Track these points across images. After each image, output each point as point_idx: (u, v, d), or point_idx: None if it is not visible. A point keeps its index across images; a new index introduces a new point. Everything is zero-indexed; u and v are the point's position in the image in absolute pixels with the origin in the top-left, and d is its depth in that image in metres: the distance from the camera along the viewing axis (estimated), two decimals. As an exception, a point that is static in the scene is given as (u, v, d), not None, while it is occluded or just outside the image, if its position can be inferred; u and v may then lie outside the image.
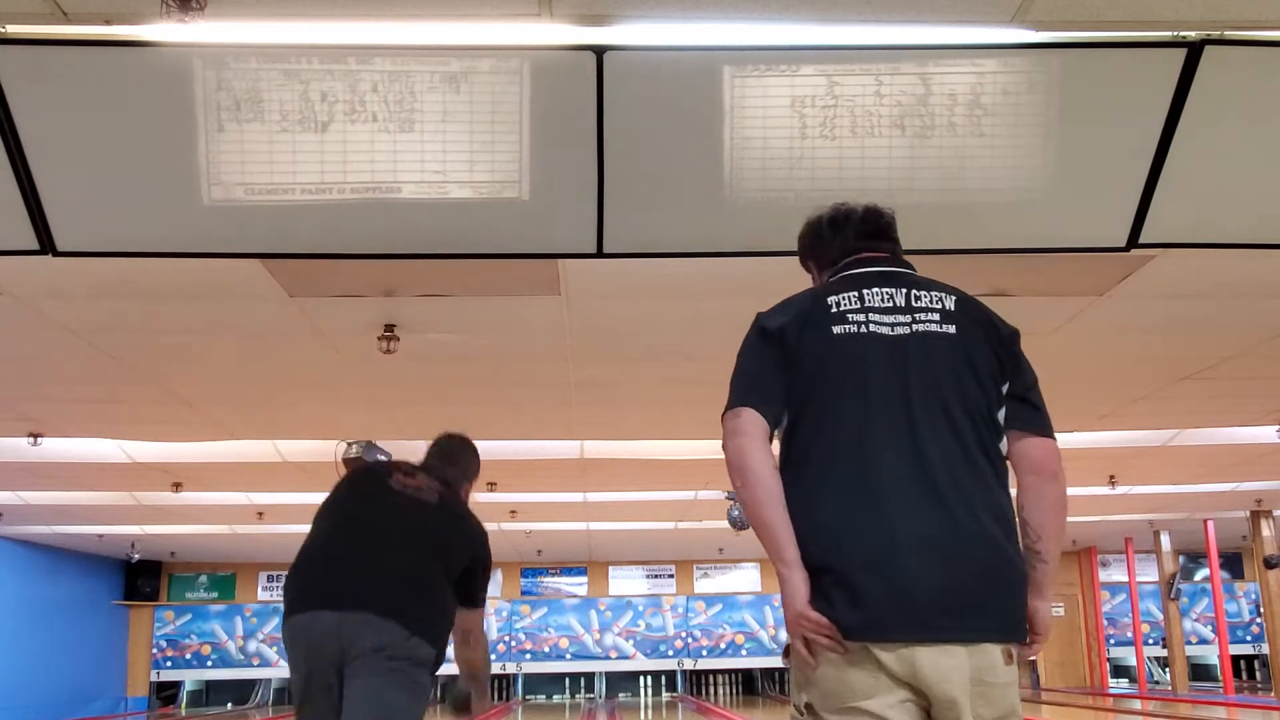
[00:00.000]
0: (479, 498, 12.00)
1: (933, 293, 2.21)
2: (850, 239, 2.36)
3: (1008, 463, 2.18)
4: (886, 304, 2.18)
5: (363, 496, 3.81)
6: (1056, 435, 2.22)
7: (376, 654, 3.32)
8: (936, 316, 2.17)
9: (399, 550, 3.55)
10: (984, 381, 2.14)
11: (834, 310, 2.17)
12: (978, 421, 2.12)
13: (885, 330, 2.14)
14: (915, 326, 2.15)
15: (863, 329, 2.14)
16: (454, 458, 4.21)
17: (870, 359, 2.11)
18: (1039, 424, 2.18)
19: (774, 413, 2.11)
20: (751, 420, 2.08)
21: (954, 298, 2.22)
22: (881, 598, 1.94)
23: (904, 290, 2.20)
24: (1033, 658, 1.96)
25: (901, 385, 2.09)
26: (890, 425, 2.06)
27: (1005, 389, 2.17)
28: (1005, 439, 2.17)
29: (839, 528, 2.00)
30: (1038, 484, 2.16)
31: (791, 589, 1.99)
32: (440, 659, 3.51)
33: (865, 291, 2.19)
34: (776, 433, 2.14)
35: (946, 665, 1.94)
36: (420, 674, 3.42)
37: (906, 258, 2.42)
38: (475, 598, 3.80)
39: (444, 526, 3.79)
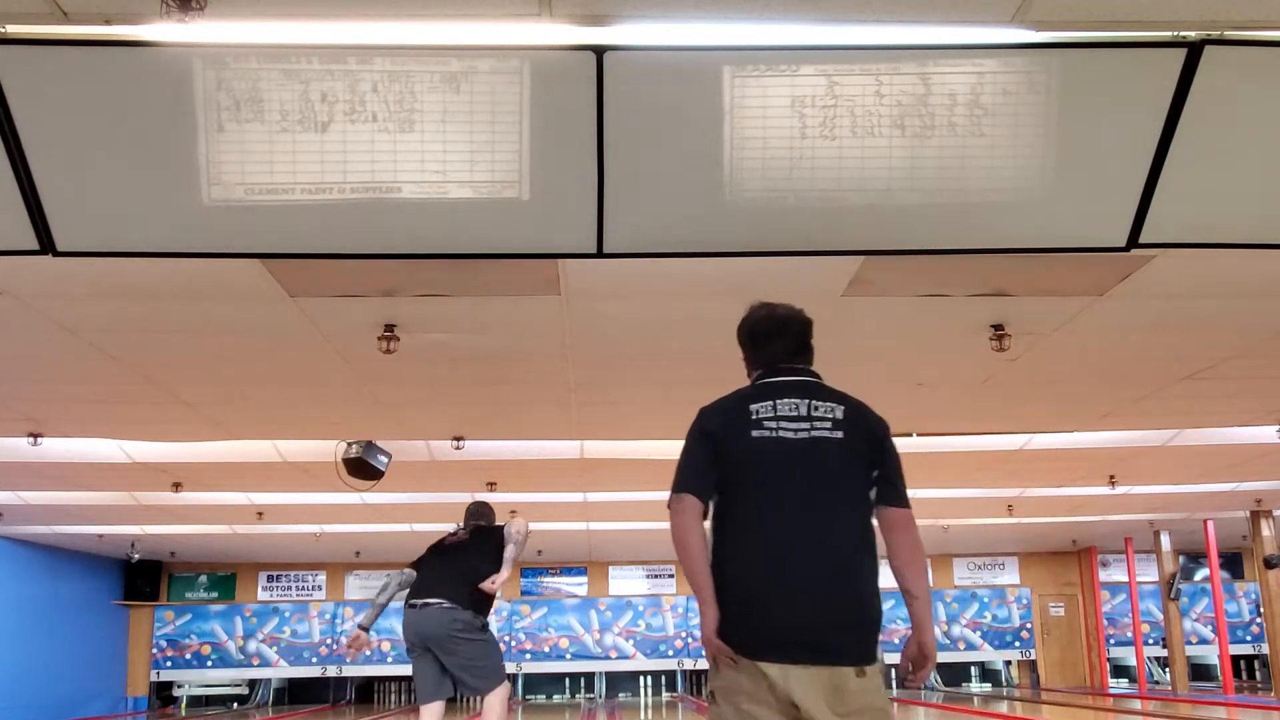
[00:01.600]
0: (479, 498, 12.05)
1: (828, 404, 2.90)
2: (778, 354, 3.06)
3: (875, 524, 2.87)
4: (793, 413, 2.87)
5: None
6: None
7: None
8: (828, 425, 2.86)
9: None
10: (860, 472, 2.86)
11: (754, 417, 2.87)
12: (854, 502, 2.84)
13: (790, 435, 2.84)
14: (813, 432, 2.85)
15: (773, 434, 2.85)
16: (480, 514, 6.88)
17: (777, 458, 2.82)
18: (899, 499, 2.87)
19: (707, 495, 2.84)
20: (691, 504, 2.82)
21: (843, 408, 2.90)
22: (763, 631, 2.71)
23: (807, 401, 2.90)
24: (919, 685, 2.84)
25: (798, 477, 2.81)
26: (787, 506, 2.78)
27: (875, 474, 2.87)
28: (875, 510, 2.87)
29: (741, 580, 2.76)
30: (898, 538, 2.87)
31: (706, 621, 2.77)
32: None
33: (778, 401, 2.89)
34: (711, 504, 2.85)
35: (807, 679, 2.66)
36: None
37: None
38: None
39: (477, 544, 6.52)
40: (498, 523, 6.80)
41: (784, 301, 3.17)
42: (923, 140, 3.42)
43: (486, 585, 6.25)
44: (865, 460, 2.85)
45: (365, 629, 6.70)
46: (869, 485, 2.85)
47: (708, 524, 2.85)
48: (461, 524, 6.85)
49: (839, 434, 2.84)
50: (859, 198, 3.57)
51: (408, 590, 6.63)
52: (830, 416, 2.86)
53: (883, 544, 2.88)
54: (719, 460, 2.84)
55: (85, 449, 8.63)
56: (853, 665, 2.71)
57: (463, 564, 6.40)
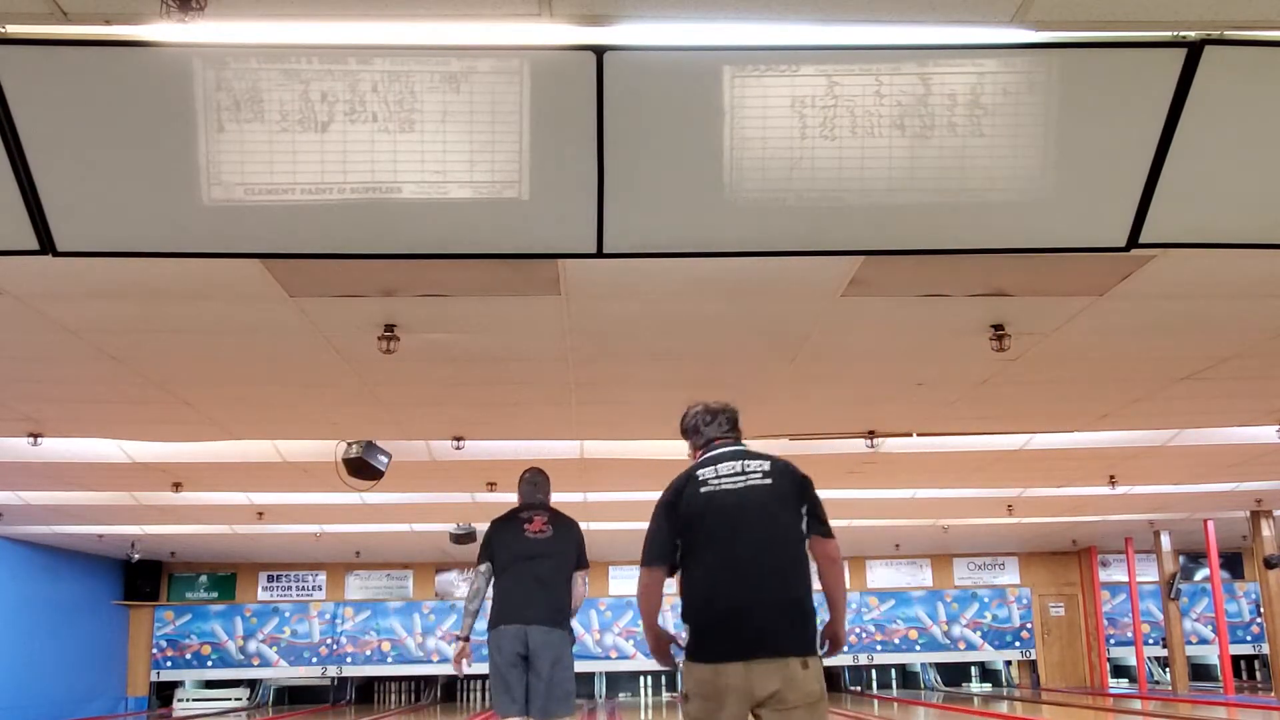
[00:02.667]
0: (479, 498, 12.02)
1: (757, 462, 3.75)
2: (714, 433, 3.90)
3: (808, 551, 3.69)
4: (731, 473, 3.72)
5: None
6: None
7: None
8: (759, 476, 3.71)
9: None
10: (790, 509, 3.67)
11: (701, 480, 3.73)
12: (787, 535, 3.65)
13: (729, 487, 3.69)
14: (747, 483, 3.69)
15: (717, 489, 3.69)
16: (542, 487, 6.08)
17: (723, 506, 3.66)
18: (824, 531, 3.70)
19: (670, 561, 3.71)
20: (654, 577, 3.73)
21: (769, 463, 3.75)
22: (718, 642, 3.55)
23: (741, 462, 3.75)
24: (831, 659, 3.86)
25: (740, 517, 3.64)
26: (732, 543, 3.61)
27: (804, 510, 3.68)
28: (807, 539, 3.67)
29: (697, 603, 3.65)
30: (825, 566, 3.72)
31: (653, 649, 3.93)
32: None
33: (719, 466, 3.75)
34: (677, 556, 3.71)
35: (765, 673, 3.46)
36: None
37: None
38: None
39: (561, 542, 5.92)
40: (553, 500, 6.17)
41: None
42: (923, 140, 3.42)
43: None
44: (794, 500, 3.67)
45: (466, 639, 6.11)
46: (799, 520, 3.66)
47: (673, 580, 3.76)
48: (521, 498, 6.03)
49: (768, 481, 3.69)
50: (859, 198, 3.58)
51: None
52: (760, 469, 3.71)
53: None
54: (679, 521, 3.68)
55: (85, 449, 8.63)
56: (797, 656, 3.48)
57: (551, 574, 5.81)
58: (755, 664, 3.45)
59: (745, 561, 3.58)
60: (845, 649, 3.90)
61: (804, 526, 3.67)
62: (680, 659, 3.76)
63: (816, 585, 3.66)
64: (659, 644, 3.88)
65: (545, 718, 5.63)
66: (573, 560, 5.90)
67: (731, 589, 3.56)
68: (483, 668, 5.83)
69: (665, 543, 3.69)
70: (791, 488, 3.70)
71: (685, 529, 3.67)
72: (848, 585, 19.24)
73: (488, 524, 6.13)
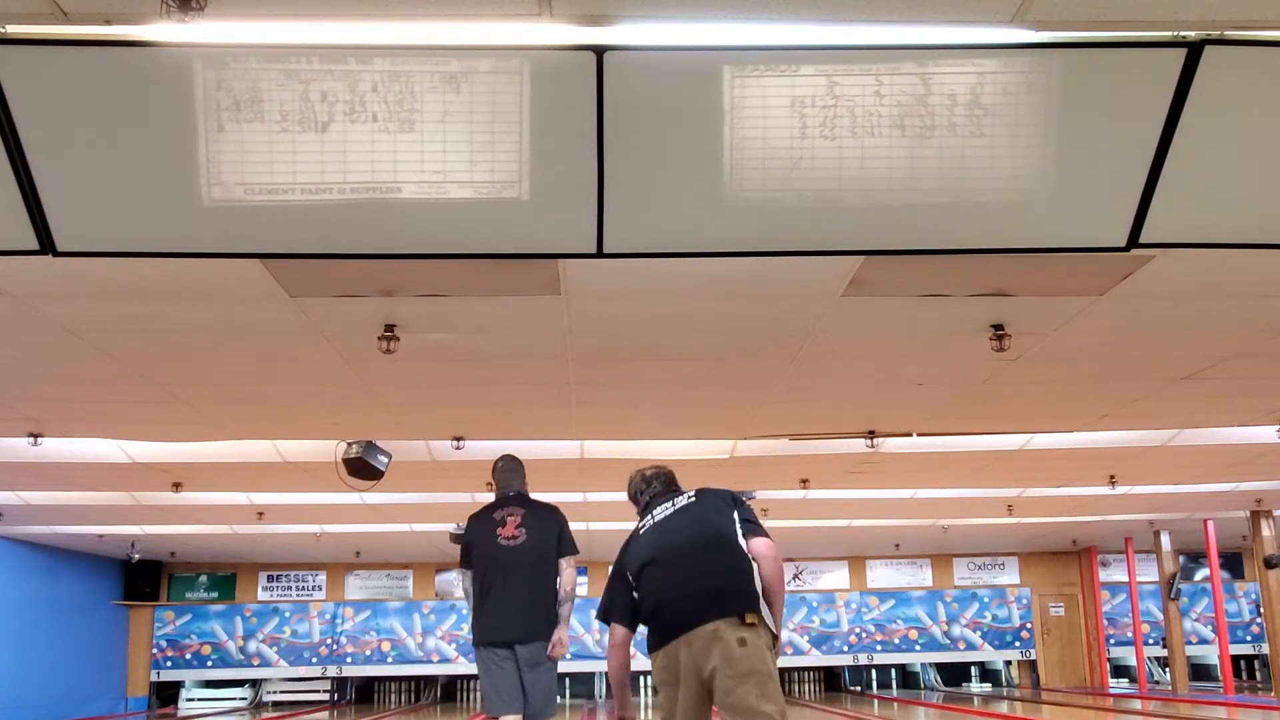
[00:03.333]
0: (479, 498, 11.99)
1: (685, 496, 4.28)
2: (652, 493, 4.43)
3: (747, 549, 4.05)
4: (663, 510, 4.24)
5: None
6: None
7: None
8: (685, 500, 4.25)
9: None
10: (721, 518, 4.11)
11: (639, 530, 4.28)
12: (718, 536, 4.06)
13: (663, 518, 4.21)
14: (675, 507, 4.21)
15: (651, 524, 4.23)
16: (518, 471, 6.10)
17: (659, 533, 4.17)
18: (757, 532, 4.09)
19: (629, 614, 4.17)
20: (619, 632, 4.21)
21: (695, 490, 4.29)
22: (663, 629, 3.97)
23: (670, 500, 4.28)
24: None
25: (674, 533, 4.12)
26: (675, 558, 4.05)
27: (735, 516, 4.11)
28: (745, 541, 4.04)
29: (651, 608, 4.06)
30: (761, 562, 4.01)
31: (616, 699, 4.46)
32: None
33: (654, 512, 4.27)
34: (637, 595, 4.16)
35: (700, 645, 3.79)
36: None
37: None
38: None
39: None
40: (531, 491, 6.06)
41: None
42: (923, 140, 3.42)
43: (556, 653, 5.66)
44: (724, 509, 4.13)
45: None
46: (732, 524, 4.07)
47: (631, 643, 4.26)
48: (495, 486, 6.01)
49: (694, 499, 4.22)
50: (859, 198, 3.58)
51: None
52: (687, 497, 4.24)
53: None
54: (631, 573, 4.16)
55: (85, 449, 8.63)
56: (724, 618, 3.78)
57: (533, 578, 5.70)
58: (693, 637, 3.79)
59: (681, 563, 4.00)
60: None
61: (737, 530, 4.05)
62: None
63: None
64: (620, 700, 4.37)
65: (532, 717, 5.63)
66: (554, 552, 5.78)
67: (672, 585, 3.99)
68: (475, 668, 5.76)
69: (620, 599, 4.16)
70: (718, 500, 4.19)
71: (638, 576, 4.10)
72: (846, 585, 19.27)
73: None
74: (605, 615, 4.22)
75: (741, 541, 4.04)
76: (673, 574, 4.00)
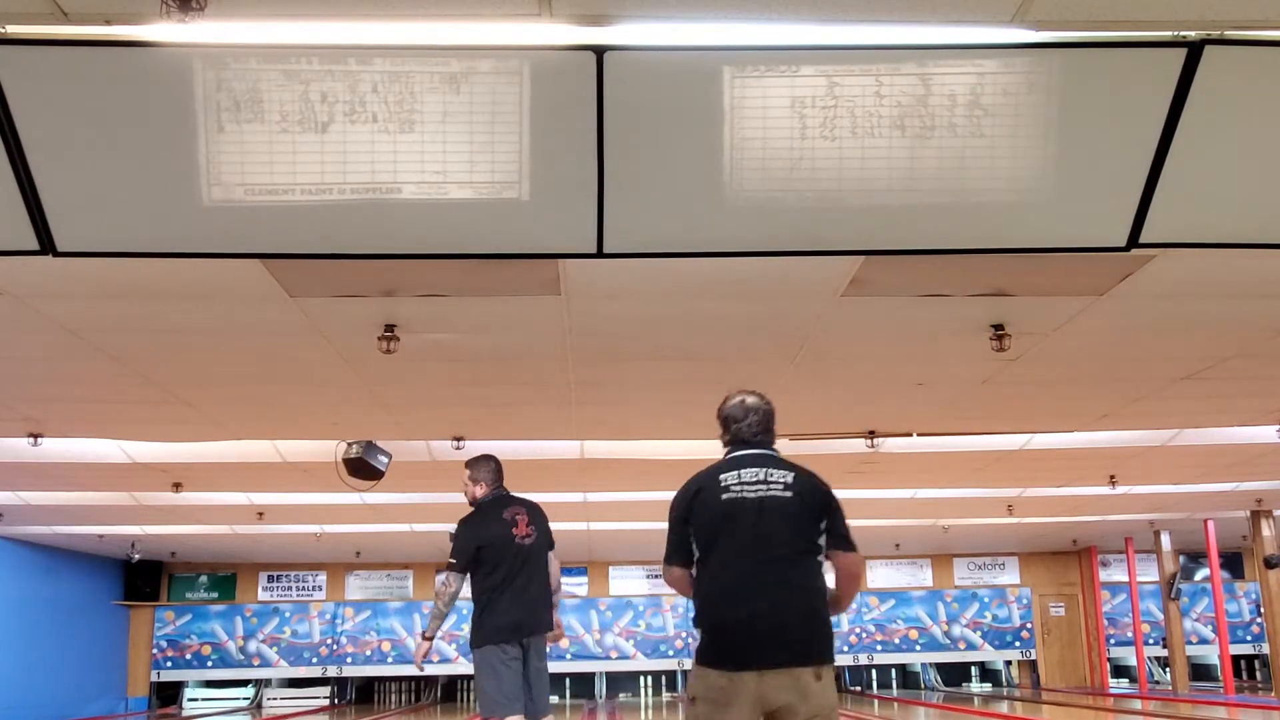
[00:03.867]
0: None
1: (780, 472, 3.67)
2: (745, 433, 3.81)
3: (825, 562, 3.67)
4: (752, 480, 3.65)
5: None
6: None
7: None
8: (780, 488, 3.63)
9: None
10: (807, 524, 3.62)
11: (722, 485, 3.66)
12: (804, 548, 3.59)
13: (750, 495, 3.62)
14: (769, 492, 3.62)
15: (738, 495, 3.62)
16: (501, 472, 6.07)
17: (739, 513, 3.60)
18: (845, 545, 3.68)
19: (688, 559, 3.69)
20: (675, 574, 3.73)
21: (793, 475, 3.67)
22: (731, 650, 3.49)
23: (765, 470, 3.68)
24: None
25: (755, 528, 3.58)
26: (744, 551, 3.56)
27: (823, 525, 3.64)
28: (828, 554, 3.66)
29: (711, 607, 3.59)
30: (841, 577, 3.75)
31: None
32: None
33: (742, 471, 3.67)
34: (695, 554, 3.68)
35: (778, 683, 3.43)
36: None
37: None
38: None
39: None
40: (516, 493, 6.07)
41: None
42: (923, 140, 3.42)
43: (559, 637, 5.95)
44: (814, 514, 3.63)
45: (432, 639, 5.94)
46: (818, 534, 3.62)
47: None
48: (485, 486, 5.97)
49: (789, 494, 3.62)
50: (859, 198, 3.58)
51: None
52: (783, 481, 3.65)
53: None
54: (695, 522, 3.67)
55: (85, 449, 8.63)
56: (810, 667, 3.46)
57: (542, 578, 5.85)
58: (769, 675, 3.42)
59: (760, 571, 3.53)
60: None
61: (822, 541, 3.63)
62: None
63: None
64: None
65: (537, 717, 5.67)
66: (547, 549, 5.92)
67: (746, 598, 3.51)
68: (473, 668, 5.77)
69: (681, 545, 3.69)
70: (813, 501, 3.65)
71: (700, 531, 3.65)
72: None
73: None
74: (668, 560, 3.76)
75: (821, 559, 3.66)
76: (754, 581, 3.53)
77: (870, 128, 3.39)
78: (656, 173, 3.53)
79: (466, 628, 5.99)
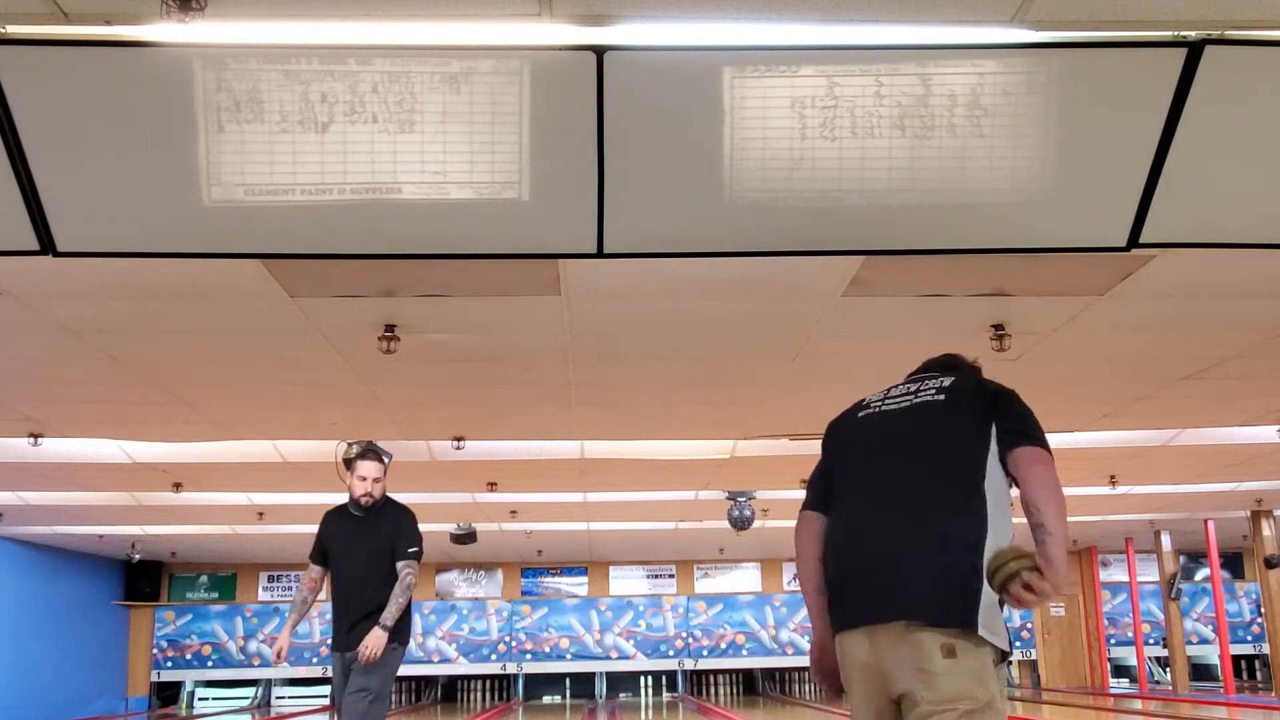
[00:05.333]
0: (479, 498, 11.97)
1: (939, 379, 2.88)
2: (921, 369, 3.04)
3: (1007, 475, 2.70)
4: (900, 394, 2.90)
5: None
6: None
7: None
8: (932, 393, 2.83)
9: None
10: (965, 432, 2.71)
11: (864, 403, 2.96)
12: (951, 466, 2.68)
13: (890, 408, 2.87)
14: (914, 401, 2.84)
15: (876, 409, 2.90)
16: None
17: (872, 431, 2.86)
18: (1024, 439, 2.66)
19: (818, 499, 2.91)
20: (802, 521, 2.92)
21: (950, 379, 2.87)
22: (842, 603, 2.72)
23: (919, 383, 2.91)
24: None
25: (888, 445, 2.80)
26: (873, 477, 2.79)
27: (993, 428, 2.69)
28: (1004, 459, 2.67)
29: (831, 557, 2.79)
30: (1022, 474, 2.64)
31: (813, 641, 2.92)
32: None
33: (892, 389, 2.95)
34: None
35: (888, 650, 2.57)
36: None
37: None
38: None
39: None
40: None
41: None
42: (923, 141, 3.42)
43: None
44: (977, 417, 2.71)
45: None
46: (981, 442, 2.67)
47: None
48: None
49: (940, 398, 2.79)
50: (859, 198, 3.57)
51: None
52: (936, 385, 2.84)
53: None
54: (829, 456, 2.97)
55: (85, 449, 8.63)
56: (935, 627, 2.51)
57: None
58: (880, 634, 2.58)
59: (884, 498, 2.72)
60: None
61: (991, 449, 2.67)
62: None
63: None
64: (818, 656, 2.88)
65: None
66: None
67: (863, 535, 2.71)
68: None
69: (815, 480, 2.96)
70: (975, 401, 2.76)
71: (833, 463, 2.93)
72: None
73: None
74: (804, 505, 2.97)
75: (990, 478, 2.66)
76: (874, 512, 2.73)
77: (870, 128, 3.39)
78: (656, 173, 3.53)
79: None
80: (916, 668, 2.51)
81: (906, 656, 2.53)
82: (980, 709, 2.53)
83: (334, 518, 5.81)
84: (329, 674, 18.27)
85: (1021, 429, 2.68)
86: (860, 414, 2.92)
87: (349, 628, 5.43)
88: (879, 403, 2.90)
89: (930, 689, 2.49)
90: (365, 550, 5.50)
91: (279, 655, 5.62)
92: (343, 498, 5.78)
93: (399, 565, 5.46)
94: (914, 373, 3.02)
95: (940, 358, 3.07)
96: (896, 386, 2.93)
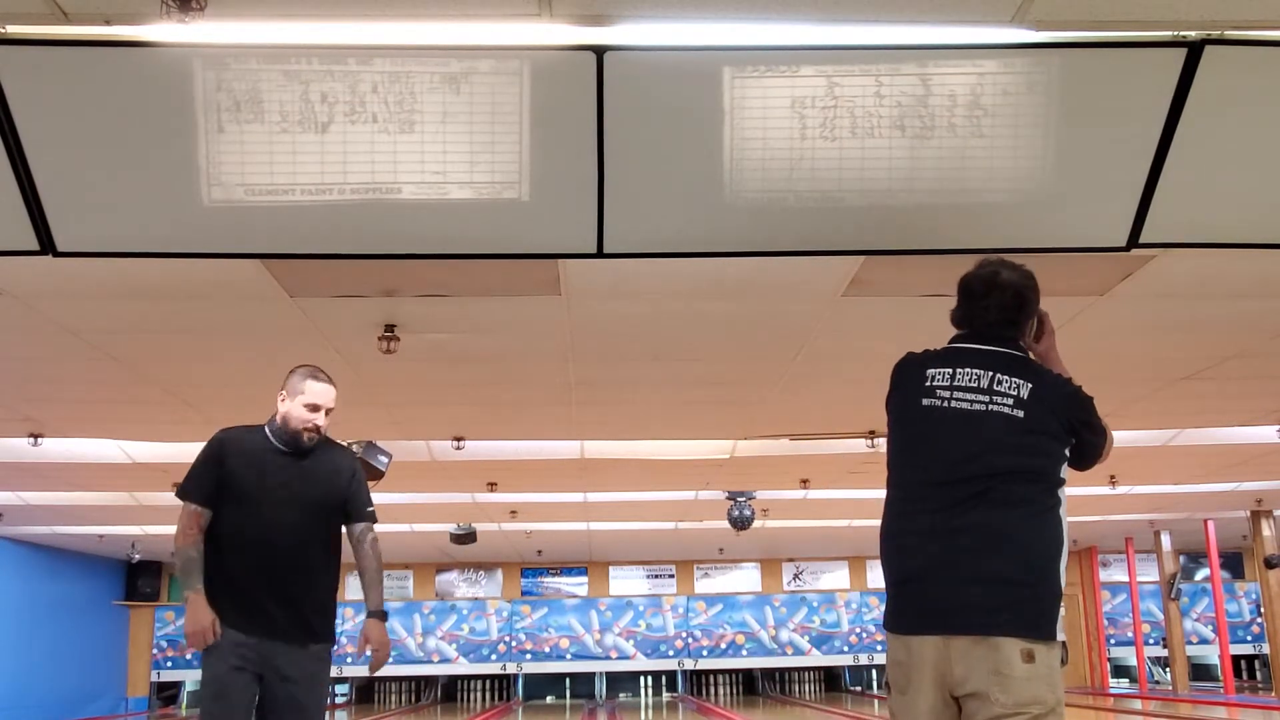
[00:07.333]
0: (479, 498, 11.95)
1: (1013, 379, 2.73)
2: (978, 317, 2.93)
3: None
4: (971, 384, 2.74)
5: None
6: None
7: None
8: (1009, 404, 2.69)
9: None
10: (1040, 454, 2.70)
11: (929, 382, 2.82)
12: (1028, 484, 2.69)
13: (960, 405, 2.73)
14: (988, 407, 2.70)
15: (944, 404, 2.76)
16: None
17: (940, 429, 2.75)
18: (1097, 457, 2.85)
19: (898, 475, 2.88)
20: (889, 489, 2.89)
21: (1030, 386, 2.72)
22: (910, 607, 2.69)
23: (990, 374, 2.74)
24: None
25: (960, 453, 2.70)
26: (944, 481, 2.70)
27: (1068, 449, 2.75)
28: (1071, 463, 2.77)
29: (894, 552, 2.76)
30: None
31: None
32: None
33: (958, 370, 2.79)
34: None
35: (961, 654, 2.57)
36: None
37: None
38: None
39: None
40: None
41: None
42: (923, 141, 3.42)
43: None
44: (1054, 439, 2.71)
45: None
46: (1062, 455, 2.74)
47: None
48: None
49: (1019, 414, 2.68)
50: (859, 198, 3.57)
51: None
52: (1012, 395, 2.71)
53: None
54: (892, 417, 2.94)
55: (85, 449, 8.63)
56: (1014, 637, 2.58)
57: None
58: (955, 642, 2.57)
59: (959, 508, 2.66)
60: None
61: (1064, 472, 2.78)
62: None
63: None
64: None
65: None
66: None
67: (934, 538, 2.66)
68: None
69: (891, 456, 2.93)
70: (1052, 421, 2.71)
71: (893, 426, 2.92)
72: (847, 585, 19.21)
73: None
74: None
75: (1063, 485, 2.77)
76: (947, 519, 2.66)
77: (870, 128, 3.39)
78: (656, 173, 3.53)
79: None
80: (993, 670, 2.54)
81: (983, 658, 2.55)
82: (1047, 713, 2.61)
83: (248, 449, 4.17)
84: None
85: (1099, 445, 2.83)
86: (924, 400, 2.81)
87: (271, 605, 3.95)
88: (945, 390, 2.78)
89: (1005, 692, 2.53)
90: (299, 501, 4.01)
91: (214, 633, 3.83)
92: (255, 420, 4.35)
93: (357, 528, 4.11)
94: (983, 337, 2.87)
95: (1013, 300, 2.88)
96: (965, 368, 2.78)
